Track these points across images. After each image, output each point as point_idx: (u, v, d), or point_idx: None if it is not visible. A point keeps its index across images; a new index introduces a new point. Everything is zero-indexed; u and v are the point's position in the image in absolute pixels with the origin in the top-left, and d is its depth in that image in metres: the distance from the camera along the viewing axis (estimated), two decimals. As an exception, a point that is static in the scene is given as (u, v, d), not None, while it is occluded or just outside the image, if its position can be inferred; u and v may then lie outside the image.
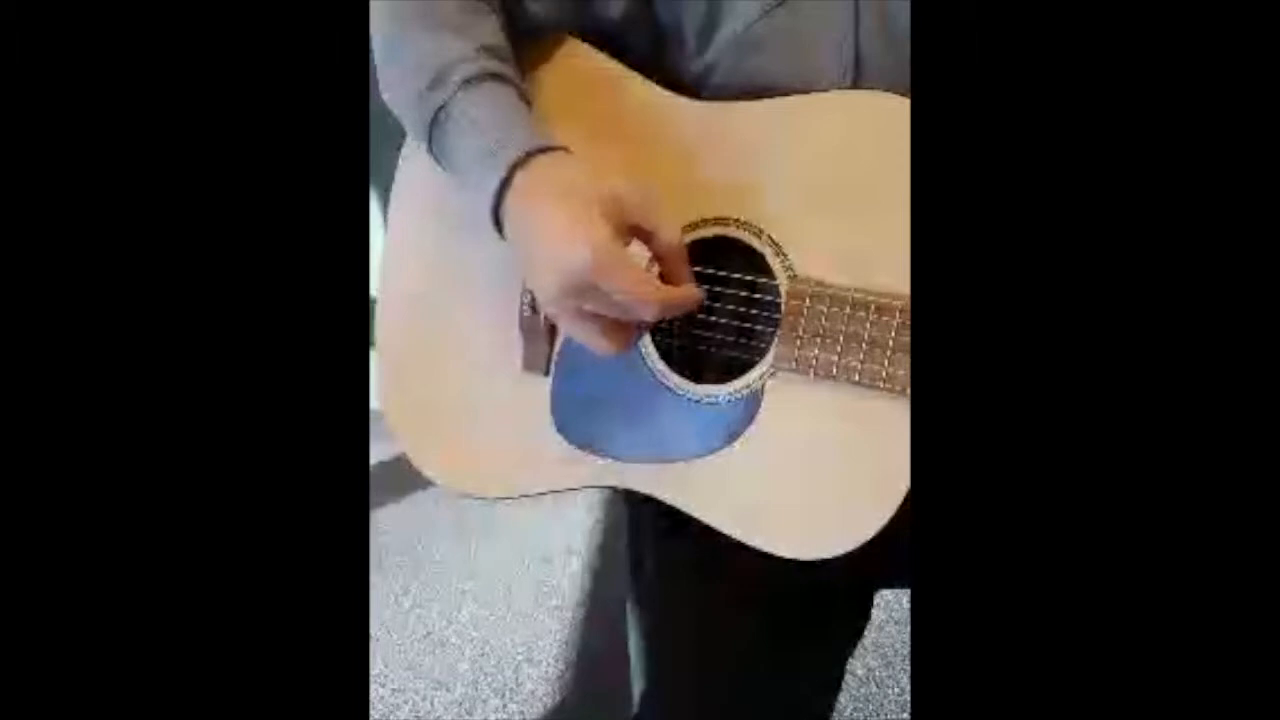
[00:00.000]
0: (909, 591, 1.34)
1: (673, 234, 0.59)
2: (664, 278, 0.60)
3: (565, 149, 0.60)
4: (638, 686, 0.73)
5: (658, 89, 0.66)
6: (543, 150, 0.59)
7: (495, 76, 0.61)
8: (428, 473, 0.75)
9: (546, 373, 0.70)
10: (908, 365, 0.55)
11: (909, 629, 1.38)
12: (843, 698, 1.15)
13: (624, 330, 0.59)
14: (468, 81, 0.60)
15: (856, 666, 1.34)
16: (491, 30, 0.64)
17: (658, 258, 0.60)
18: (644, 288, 0.56)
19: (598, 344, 0.59)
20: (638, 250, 0.59)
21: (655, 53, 0.67)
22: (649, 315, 0.57)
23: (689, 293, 0.60)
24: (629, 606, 0.76)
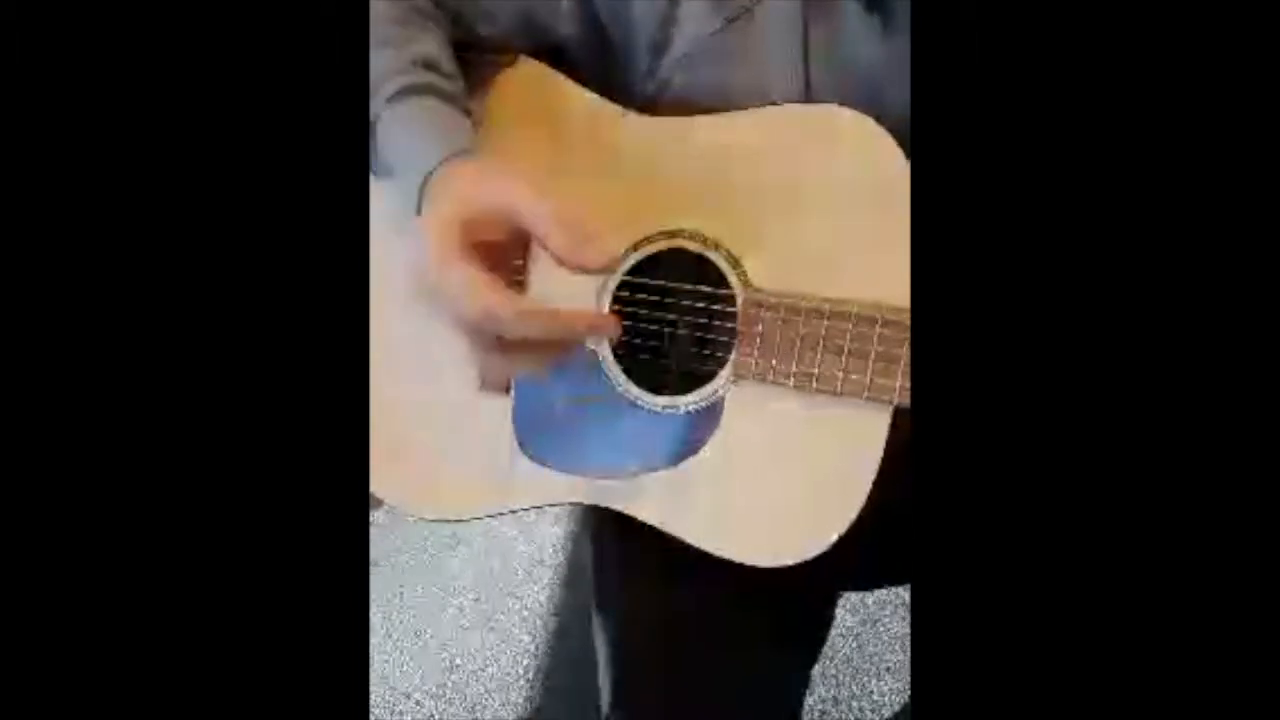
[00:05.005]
0: (873, 594, 1.36)
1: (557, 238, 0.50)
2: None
3: (468, 153, 0.58)
4: (604, 694, 0.73)
5: (610, 105, 0.66)
6: (450, 160, 0.56)
7: (427, 89, 0.60)
8: (387, 498, 0.74)
9: (507, 391, 0.70)
10: (866, 370, 0.56)
11: (875, 630, 1.39)
12: (810, 700, 1.16)
13: (518, 351, 0.52)
14: (396, 95, 0.59)
15: (823, 669, 1.35)
16: (430, 42, 0.63)
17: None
18: (473, 295, 0.49)
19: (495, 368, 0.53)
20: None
21: (606, 70, 0.67)
22: (471, 319, 0.50)
23: (518, 307, 0.50)
24: (593, 613, 0.76)
